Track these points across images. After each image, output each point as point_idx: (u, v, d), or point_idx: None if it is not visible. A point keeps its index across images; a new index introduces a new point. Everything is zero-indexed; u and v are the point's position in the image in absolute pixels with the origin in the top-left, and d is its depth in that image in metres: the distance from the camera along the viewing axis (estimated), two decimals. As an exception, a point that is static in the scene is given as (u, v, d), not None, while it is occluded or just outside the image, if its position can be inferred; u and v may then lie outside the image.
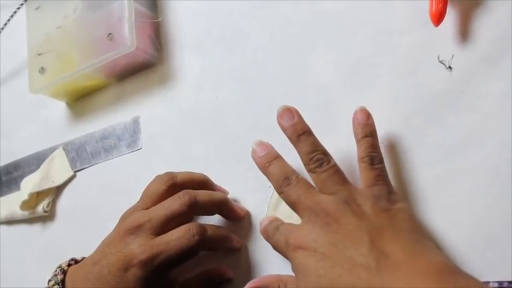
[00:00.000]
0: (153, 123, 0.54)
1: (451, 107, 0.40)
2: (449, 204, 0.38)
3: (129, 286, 0.39)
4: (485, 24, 0.40)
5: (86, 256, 0.44)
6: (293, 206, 0.38)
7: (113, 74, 0.56)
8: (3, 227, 0.60)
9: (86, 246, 0.45)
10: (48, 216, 0.57)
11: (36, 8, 0.58)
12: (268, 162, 0.39)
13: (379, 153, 0.38)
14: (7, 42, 0.67)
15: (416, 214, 0.38)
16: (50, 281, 0.42)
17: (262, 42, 0.50)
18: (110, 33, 0.52)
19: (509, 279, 0.35)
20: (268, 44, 0.49)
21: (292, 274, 0.37)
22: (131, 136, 0.54)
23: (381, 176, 0.37)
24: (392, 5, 0.44)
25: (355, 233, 0.34)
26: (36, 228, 0.58)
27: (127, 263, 0.39)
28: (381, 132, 0.40)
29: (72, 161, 0.57)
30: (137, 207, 0.43)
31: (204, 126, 0.50)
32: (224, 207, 0.44)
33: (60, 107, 0.60)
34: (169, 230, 0.41)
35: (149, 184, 0.44)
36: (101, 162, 0.56)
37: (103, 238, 0.43)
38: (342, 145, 0.41)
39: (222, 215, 0.45)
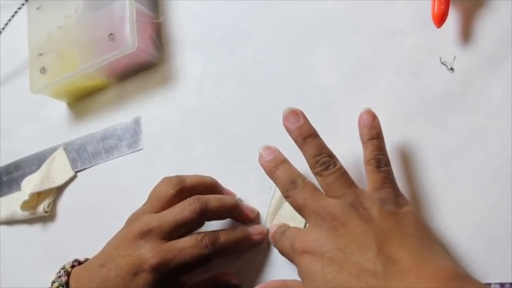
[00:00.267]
0: (154, 123, 0.54)
1: (452, 108, 0.40)
2: (451, 205, 0.38)
3: None
4: (487, 26, 0.40)
5: (88, 257, 0.44)
6: (299, 210, 0.38)
7: (114, 74, 0.56)
8: (4, 227, 0.60)
9: (86, 246, 0.45)
10: (48, 217, 0.57)
11: (38, 8, 0.58)
12: (275, 166, 0.39)
13: (386, 155, 0.38)
14: (8, 42, 0.67)
15: (422, 217, 0.38)
16: (53, 282, 0.42)
17: (264, 42, 0.50)
18: (111, 34, 0.52)
19: (511, 281, 0.35)
20: (269, 44, 0.49)
21: (298, 279, 0.36)
22: (132, 136, 0.54)
23: (387, 179, 0.37)
24: (395, 5, 0.44)
25: (362, 237, 0.33)
26: (36, 228, 0.58)
27: (137, 267, 0.39)
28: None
29: (73, 162, 0.57)
30: (145, 210, 0.43)
31: (205, 127, 0.50)
32: (235, 212, 0.44)
33: (61, 107, 0.60)
34: (179, 236, 0.41)
35: (156, 186, 0.44)
36: (101, 163, 0.56)
37: (104, 239, 0.43)
38: (344, 146, 0.41)
39: (233, 219, 0.45)
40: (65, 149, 0.58)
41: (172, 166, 0.51)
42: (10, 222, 0.60)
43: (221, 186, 0.45)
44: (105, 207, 0.54)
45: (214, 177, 0.46)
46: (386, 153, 0.38)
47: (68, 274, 0.42)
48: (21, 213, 0.57)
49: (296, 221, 0.43)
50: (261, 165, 0.40)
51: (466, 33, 0.40)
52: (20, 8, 0.63)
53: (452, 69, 0.40)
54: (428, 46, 0.41)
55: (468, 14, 0.40)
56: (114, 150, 0.55)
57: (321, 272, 0.33)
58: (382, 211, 0.35)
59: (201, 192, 0.42)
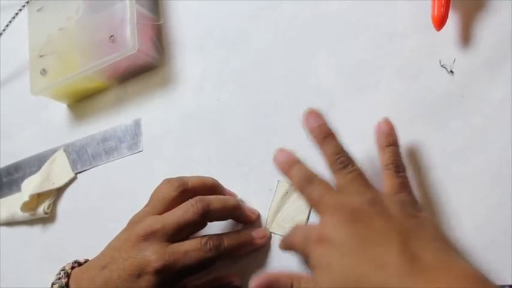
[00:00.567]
0: (154, 125, 0.54)
1: (452, 110, 0.40)
2: (451, 208, 0.38)
3: None
4: (487, 29, 0.40)
5: (88, 258, 0.44)
6: (315, 205, 0.37)
7: (115, 76, 0.56)
8: (4, 229, 0.60)
9: (86, 248, 0.45)
10: (48, 218, 0.57)
11: (38, 10, 0.58)
12: (290, 166, 0.39)
13: (403, 162, 0.38)
14: (9, 44, 0.67)
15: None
16: (53, 284, 0.42)
17: (264, 44, 0.50)
18: (111, 35, 0.52)
19: (511, 283, 0.35)
20: (270, 46, 0.49)
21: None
22: (132, 138, 0.54)
23: (405, 184, 0.37)
24: (395, 8, 0.44)
25: (385, 232, 0.33)
26: (36, 229, 0.58)
27: (140, 270, 0.39)
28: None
29: (73, 163, 0.57)
30: (147, 212, 0.42)
31: (205, 129, 0.50)
32: (237, 212, 0.44)
33: (61, 108, 0.60)
34: (182, 238, 0.41)
35: (158, 188, 0.44)
36: (101, 164, 0.56)
37: (104, 240, 0.43)
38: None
39: (235, 220, 0.45)
40: (65, 151, 0.58)
41: (173, 168, 0.51)
42: (10, 223, 0.60)
43: (222, 187, 0.46)
44: (105, 208, 0.54)
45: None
46: (402, 160, 0.38)
47: (68, 275, 0.42)
48: (21, 215, 0.57)
49: (295, 223, 0.43)
50: (276, 165, 0.40)
51: (466, 36, 0.40)
52: (20, 10, 0.63)
53: (452, 72, 0.40)
54: (428, 49, 0.42)
55: (468, 16, 0.41)
56: (114, 151, 0.55)
57: (339, 261, 0.32)
58: (402, 212, 0.34)
59: (203, 193, 0.42)
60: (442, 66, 0.41)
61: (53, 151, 0.59)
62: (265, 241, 0.44)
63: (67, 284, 0.41)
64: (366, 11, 0.45)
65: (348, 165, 0.37)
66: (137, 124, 0.54)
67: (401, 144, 0.40)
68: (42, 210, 0.56)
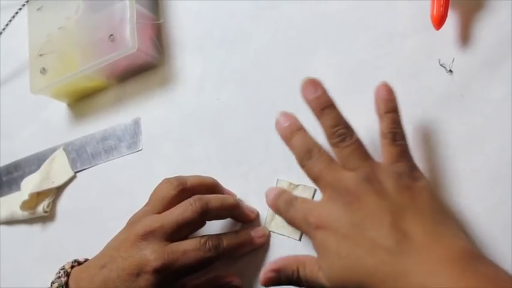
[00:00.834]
0: (153, 124, 0.54)
1: (451, 110, 0.40)
2: (450, 208, 0.38)
3: None
4: (486, 28, 0.40)
5: (88, 257, 0.44)
6: (314, 180, 0.37)
7: (114, 75, 0.56)
8: (3, 227, 0.60)
9: (86, 247, 0.45)
10: (48, 217, 0.57)
11: (38, 9, 0.58)
12: (291, 133, 0.39)
13: (402, 129, 0.37)
14: (8, 43, 0.67)
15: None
16: (53, 283, 0.42)
17: (264, 44, 0.50)
18: (111, 35, 0.52)
19: (509, 283, 0.35)
20: (269, 46, 0.49)
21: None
22: (132, 137, 0.54)
23: (403, 153, 0.36)
24: (394, 8, 0.44)
25: (376, 213, 0.33)
26: (36, 228, 0.58)
27: (139, 269, 0.39)
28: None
29: (73, 162, 0.57)
30: (146, 211, 0.42)
31: (205, 128, 0.50)
32: (236, 211, 0.44)
33: (61, 107, 0.60)
34: (181, 236, 0.41)
35: (157, 188, 0.44)
36: (101, 163, 0.56)
37: (103, 239, 0.43)
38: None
39: (233, 219, 0.45)
40: (64, 150, 0.58)
41: (172, 167, 0.51)
42: (10, 222, 0.60)
43: (222, 186, 0.46)
44: (105, 207, 0.54)
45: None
46: (402, 127, 0.38)
47: (68, 274, 0.42)
48: (20, 213, 0.57)
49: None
50: (277, 131, 0.40)
51: (465, 36, 0.40)
52: (20, 9, 0.63)
53: (451, 71, 0.40)
54: (427, 48, 0.42)
55: (467, 16, 0.41)
56: (114, 150, 0.55)
57: (336, 247, 0.34)
58: (397, 185, 0.34)
59: (202, 193, 0.42)
60: (441, 65, 0.41)
61: (53, 150, 0.59)
62: (265, 240, 0.44)
63: (66, 283, 0.42)
64: (366, 11, 0.45)
65: (346, 138, 0.36)
66: (137, 123, 0.55)
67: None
68: (42, 209, 0.57)
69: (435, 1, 0.39)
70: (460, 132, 0.39)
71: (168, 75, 0.54)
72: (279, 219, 0.44)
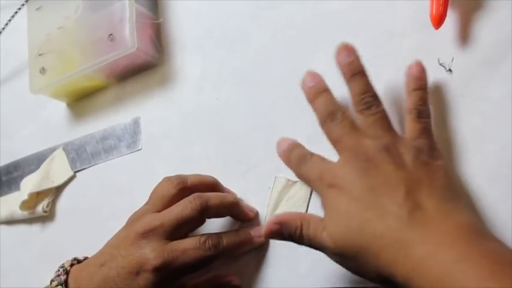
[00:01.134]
0: (153, 124, 0.54)
1: (451, 109, 0.40)
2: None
3: None
4: (486, 28, 0.40)
5: (87, 256, 0.44)
6: (334, 143, 0.37)
7: (114, 75, 0.56)
8: (3, 227, 0.60)
9: (85, 246, 0.45)
10: (47, 217, 0.57)
11: (37, 9, 0.58)
12: (316, 94, 0.39)
13: (428, 108, 0.38)
14: (8, 43, 0.67)
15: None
16: (52, 281, 0.42)
17: (264, 43, 0.50)
18: (110, 34, 0.52)
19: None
20: (269, 46, 0.49)
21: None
22: (131, 137, 0.54)
23: (426, 130, 0.37)
24: (393, 7, 0.44)
25: (392, 181, 0.34)
26: (35, 228, 0.58)
27: (139, 267, 0.39)
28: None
29: (72, 162, 0.57)
30: (146, 210, 0.43)
31: (204, 128, 0.51)
32: (235, 209, 0.44)
33: (60, 107, 0.60)
34: (181, 235, 0.41)
35: (157, 186, 0.44)
36: (100, 163, 0.56)
37: (103, 238, 0.43)
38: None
39: (233, 217, 0.45)
40: (64, 149, 0.58)
41: (172, 167, 0.51)
42: (9, 222, 0.60)
43: (222, 185, 0.46)
44: (104, 207, 0.54)
45: (213, 178, 0.46)
46: (428, 105, 0.38)
47: (67, 273, 0.42)
48: (20, 213, 0.57)
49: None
50: (303, 90, 0.39)
51: (464, 35, 0.40)
52: (20, 9, 0.63)
53: (450, 70, 0.40)
54: (426, 47, 0.42)
55: (466, 15, 0.41)
56: (113, 150, 0.55)
57: (346, 206, 0.34)
58: (415, 159, 0.35)
59: (202, 191, 0.42)
60: (440, 64, 0.41)
61: (52, 150, 0.59)
62: (264, 240, 0.44)
63: (66, 281, 0.42)
64: (365, 10, 0.45)
65: (371, 106, 0.37)
66: (136, 123, 0.55)
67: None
68: (42, 209, 0.57)
69: (434, 0, 0.39)
70: (459, 131, 0.39)
71: (168, 74, 0.54)
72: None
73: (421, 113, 0.37)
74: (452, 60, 0.40)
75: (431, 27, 0.40)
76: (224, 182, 0.46)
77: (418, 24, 0.42)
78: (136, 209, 0.44)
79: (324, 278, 0.41)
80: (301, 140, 0.45)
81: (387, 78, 0.43)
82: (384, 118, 0.37)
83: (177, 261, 0.39)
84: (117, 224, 0.43)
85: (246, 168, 0.47)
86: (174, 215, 0.40)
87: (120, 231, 0.43)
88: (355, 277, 0.40)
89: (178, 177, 0.43)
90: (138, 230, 0.40)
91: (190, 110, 0.52)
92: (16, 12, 0.63)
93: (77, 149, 0.57)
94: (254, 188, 0.46)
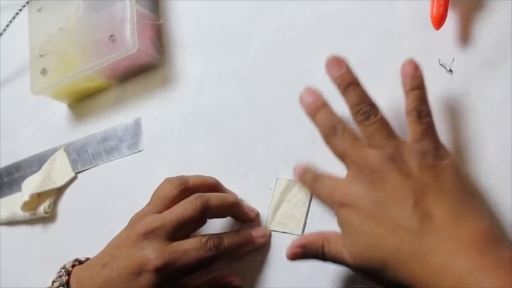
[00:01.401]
0: (154, 124, 0.54)
1: (451, 109, 0.40)
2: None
3: None
4: (486, 28, 0.40)
5: (89, 257, 0.44)
6: (339, 157, 0.37)
7: (115, 76, 0.56)
8: (4, 228, 0.60)
9: (87, 247, 0.45)
10: (49, 218, 0.57)
11: (38, 10, 0.58)
12: (316, 109, 0.39)
13: (427, 106, 0.37)
14: (9, 44, 0.67)
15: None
16: (54, 282, 0.42)
17: (264, 43, 0.50)
18: (111, 35, 0.52)
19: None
20: (270, 46, 0.49)
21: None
22: (132, 138, 0.55)
23: (428, 131, 0.36)
24: (394, 7, 0.44)
25: (400, 192, 0.33)
26: (37, 229, 0.58)
27: (140, 268, 0.39)
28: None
29: (74, 163, 0.57)
30: (148, 210, 0.43)
31: (205, 128, 0.51)
32: (236, 210, 0.44)
33: (61, 108, 0.60)
34: (182, 235, 0.41)
35: (159, 187, 0.44)
36: (102, 164, 0.56)
37: (104, 239, 0.43)
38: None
39: (234, 218, 0.45)
40: (65, 150, 0.58)
41: (173, 167, 0.51)
42: (10, 223, 0.60)
43: (223, 186, 0.46)
44: (106, 208, 0.54)
45: (214, 178, 0.46)
46: (428, 103, 0.37)
47: (69, 274, 0.42)
48: (21, 214, 0.58)
49: (294, 218, 0.43)
50: (302, 107, 0.40)
51: (465, 35, 0.40)
52: (21, 10, 0.63)
53: (451, 70, 0.40)
54: (427, 48, 0.42)
55: (467, 16, 0.41)
56: (115, 151, 0.55)
57: (359, 226, 0.34)
58: (421, 164, 0.34)
59: (203, 192, 0.42)
60: (441, 65, 0.41)
61: (54, 151, 0.59)
62: (266, 240, 0.44)
63: (67, 282, 0.42)
64: (366, 10, 0.45)
65: (370, 116, 0.36)
66: (137, 123, 0.55)
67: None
68: (43, 210, 0.57)
69: (435, 1, 0.39)
70: (459, 131, 0.39)
71: (169, 75, 0.54)
72: (279, 218, 0.44)
73: (421, 113, 0.37)
74: (453, 60, 0.40)
75: (432, 28, 0.40)
76: (225, 183, 0.46)
77: (418, 24, 0.42)
78: (138, 210, 0.44)
79: (326, 279, 0.41)
80: (301, 141, 0.45)
81: (387, 79, 0.43)
82: (384, 126, 0.36)
83: (178, 261, 0.39)
84: (118, 224, 0.44)
85: (246, 169, 0.47)
86: (175, 215, 0.41)
87: (121, 232, 0.43)
88: (357, 279, 0.40)
89: (179, 178, 0.43)
90: (139, 231, 0.40)
91: (191, 111, 0.52)
92: (17, 13, 0.63)
93: (78, 150, 0.57)
94: (255, 188, 0.46)
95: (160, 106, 0.54)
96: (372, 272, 0.34)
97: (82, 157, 0.57)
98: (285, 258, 0.40)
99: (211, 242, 0.40)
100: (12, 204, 0.59)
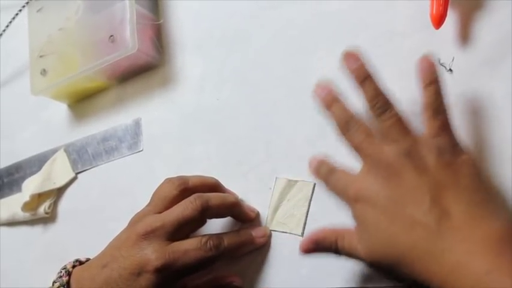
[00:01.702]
0: (154, 125, 0.54)
1: (451, 109, 0.40)
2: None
3: None
4: (486, 27, 0.40)
5: (89, 257, 0.44)
6: (356, 150, 0.37)
7: (115, 76, 0.56)
8: (5, 229, 0.61)
9: (87, 247, 0.45)
10: (49, 218, 0.57)
11: (38, 10, 0.58)
12: (331, 102, 0.38)
13: (443, 101, 0.36)
14: (9, 44, 0.67)
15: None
16: (54, 282, 0.42)
17: (264, 43, 0.50)
18: (111, 35, 0.52)
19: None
20: (269, 46, 0.49)
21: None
22: (132, 138, 0.55)
23: (445, 126, 0.36)
24: (394, 7, 0.44)
25: (416, 189, 0.33)
26: (37, 229, 0.58)
27: (141, 268, 0.39)
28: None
29: (74, 163, 0.57)
30: (148, 211, 0.43)
31: (205, 128, 0.51)
32: (236, 210, 0.44)
33: (61, 108, 0.60)
34: (182, 236, 0.41)
35: (159, 187, 0.44)
36: (102, 164, 0.56)
37: (104, 239, 0.43)
38: (343, 147, 0.41)
39: (234, 217, 0.45)
40: (65, 151, 0.58)
41: (173, 167, 0.51)
42: (11, 223, 0.60)
43: (223, 186, 0.46)
44: (106, 208, 0.54)
45: (214, 178, 0.46)
46: (443, 99, 0.37)
47: (69, 274, 0.42)
48: (22, 215, 0.58)
49: (294, 218, 0.43)
50: (317, 100, 0.39)
51: (465, 35, 0.40)
52: (20, 10, 0.63)
53: (451, 70, 0.40)
54: (427, 47, 0.41)
55: (467, 15, 0.41)
56: (115, 151, 0.55)
57: (374, 221, 0.34)
58: (438, 161, 0.34)
59: (203, 192, 0.42)
60: (441, 64, 0.41)
61: (54, 151, 0.59)
62: (266, 240, 0.44)
63: (68, 283, 0.42)
64: (366, 10, 0.45)
65: (386, 110, 0.36)
66: (137, 124, 0.55)
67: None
68: (43, 210, 0.57)
69: (435, 0, 0.39)
70: (460, 131, 0.39)
71: (168, 75, 0.54)
72: (279, 217, 0.44)
73: (437, 108, 0.36)
74: (453, 60, 0.40)
75: (432, 27, 0.40)
76: (225, 183, 0.46)
77: (418, 24, 0.42)
78: (138, 210, 0.44)
79: (326, 278, 0.41)
80: (301, 140, 0.45)
81: (388, 79, 0.43)
82: (400, 121, 0.36)
83: (178, 262, 0.39)
84: (118, 225, 0.44)
85: (246, 169, 0.47)
86: (175, 215, 0.41)
87: (121, 232, 0.43)
88: (357, 278, 0.40)
89: (179, 178, 0.43)
90: (139, 231, 0.40)
91: (191, 111, 0.52)
92: (17, 14, 0.64)
93: (78, 150, 0.58)
94: (255, 188, 0.46)
95: (160, 106, 0.54)
96: (386, 268, 0.34)
97: (82, 157, 0.57)
98: (285, 258, 0.40)
99: (211, 242, 0.40)
100: (13, 204, 0.59)
